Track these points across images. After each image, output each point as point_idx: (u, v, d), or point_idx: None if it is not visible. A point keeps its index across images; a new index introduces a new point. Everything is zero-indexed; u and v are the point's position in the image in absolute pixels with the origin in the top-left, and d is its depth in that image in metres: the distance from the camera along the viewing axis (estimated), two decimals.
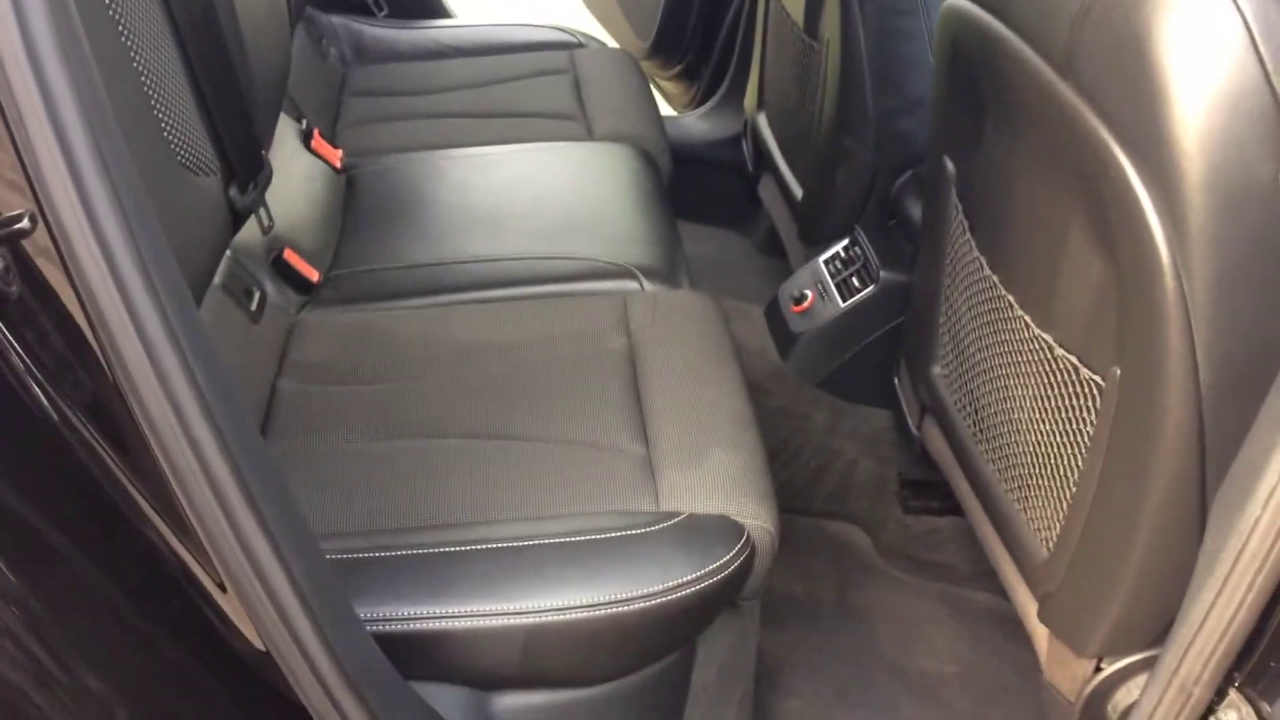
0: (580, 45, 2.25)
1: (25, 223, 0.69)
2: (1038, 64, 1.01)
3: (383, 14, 2.28)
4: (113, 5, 1.11)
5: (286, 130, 1.73)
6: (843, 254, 1.76)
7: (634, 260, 1.54)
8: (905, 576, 1.67)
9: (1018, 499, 1.21)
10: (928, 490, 1.68)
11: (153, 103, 1.18)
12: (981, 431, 1.30)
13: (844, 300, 1.70)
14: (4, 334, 0.72)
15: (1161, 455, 0.93)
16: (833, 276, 1.75)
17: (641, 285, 1.51)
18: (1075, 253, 1.03)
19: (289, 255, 1.49)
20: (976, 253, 1.26)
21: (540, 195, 1.70)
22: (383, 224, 1.65)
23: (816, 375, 1.72)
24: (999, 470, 1.26)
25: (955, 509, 1.45)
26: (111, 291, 0.71)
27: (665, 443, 1.20)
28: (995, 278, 1.21)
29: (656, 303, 1.47)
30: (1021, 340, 1.15)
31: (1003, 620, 1.52)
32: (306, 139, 1.76)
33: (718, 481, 1.13)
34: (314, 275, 1.51)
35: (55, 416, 0.74)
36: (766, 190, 2.15)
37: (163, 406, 0.74)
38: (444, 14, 2.35)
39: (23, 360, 0.72)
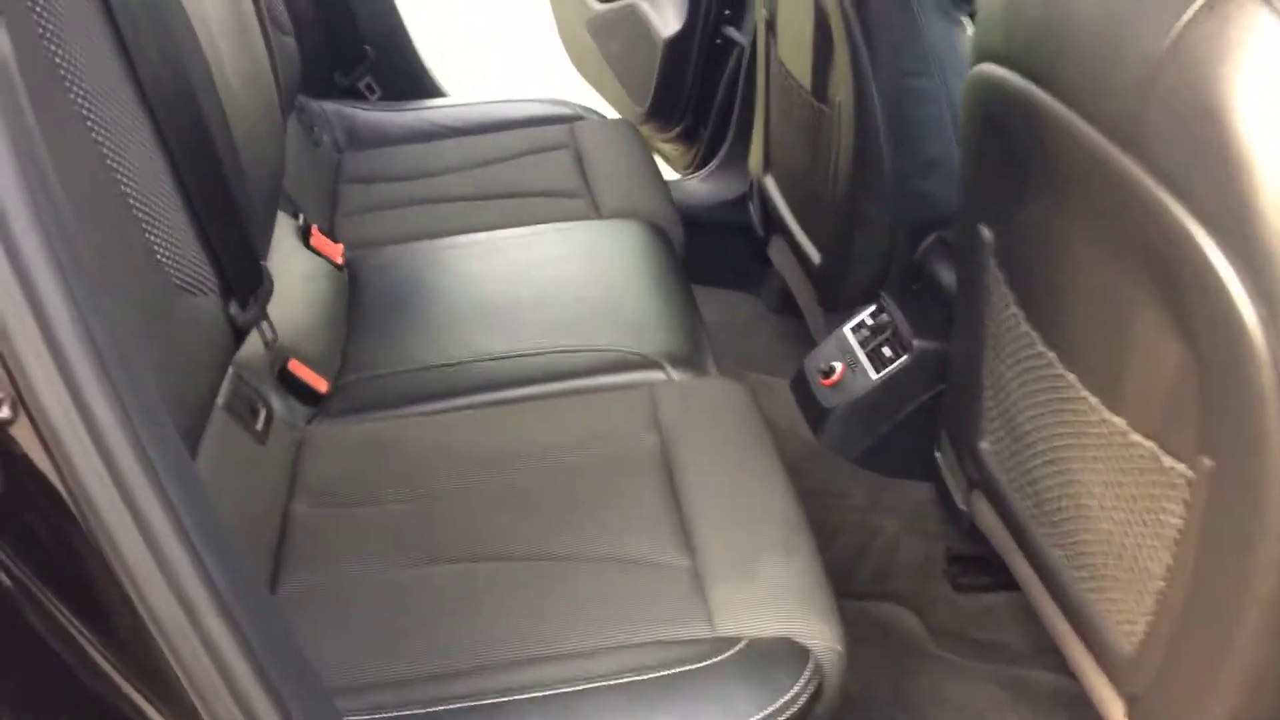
0: (579, 117, 2.19)
1: (5, 411, 0.61)
2: (1093, 136, 0.94)
3: (375, 97, 2.23)
4: (96, 128, 1.04)
5: (284, 229, 1.66)
6: (870, 321, 1.69)
7: (658, 348, 1.46)
8: (961, 660, 1.58)
9: (1092, 589, 1.13)
10: (978, 566, 1.59)
11: (143, 225, 1.11)
12: (1043, 513, 1.21)
13: (876, 371, 1.63)
14: None
15: (1266, 552, 0.85)
16: (861, 346, 1.67)
17: (668, 374, 1.43)
18: (1147, 333, 0.95)
19: (294, 366, 1.42)
20: (1026, 326, 1.18)
21: (552, 281, 1.63)
22: (390, 322, 1.57)
23: (852, 451, 1.64)
24: (1067, 556, 1.17)
25: (1009, 584, 1.36)
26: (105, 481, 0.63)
27: (711, 552, 1.12)
28: (1051, 354, 1.13)
29: (685, 393, 1.39)
30: (1088, 422, 1.08)
31: (1071, 702, 1.43)
32: (305, 236, 1.69)
33: (775, 597, 1.05)
34: (322, 385, 1.44)
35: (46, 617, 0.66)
36: (778, 252, 2.09)
37: (168, 600, 0.66)
38: (436, 93, 2.29)
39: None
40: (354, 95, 2.20)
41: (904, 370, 1.59)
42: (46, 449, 0.62)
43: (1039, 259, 1.14)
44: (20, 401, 0.61)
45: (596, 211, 1.85)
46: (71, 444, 0.63)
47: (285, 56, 1.90)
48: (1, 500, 0.63)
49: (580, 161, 2.01)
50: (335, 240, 1.78)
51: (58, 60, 1.01)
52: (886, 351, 1.63)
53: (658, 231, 1.78)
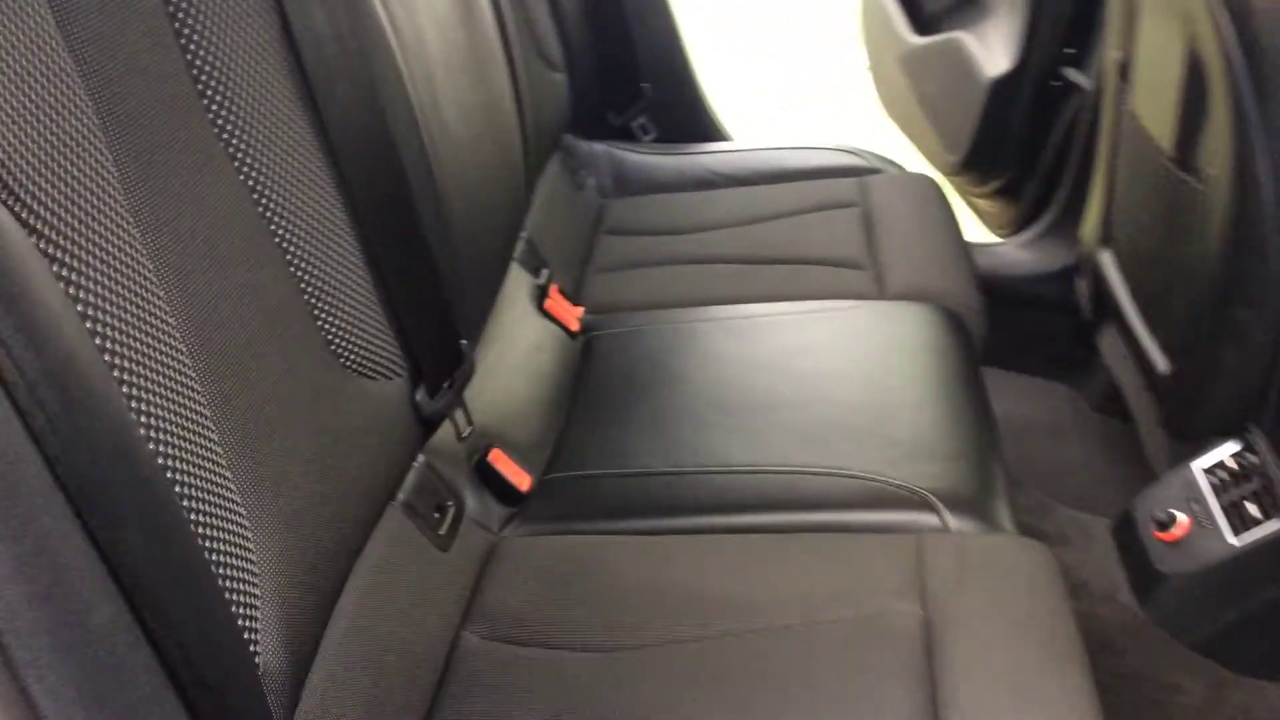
0: (873, 170, 1.88)
1: None
2: None
3: (649, 138, 2.02)
4: (252, 175, 0.88)
5: (517, 288, 1.48)
6: (1231, 464, 1.28)
7: (934, 482, 1.14)
8: None
9: None
10: None
11: (306, 296, 0.93)
12: None
13: (1236, 533, 1.22)
14: None
15: None
16: (1216, 494, 1.27)
17: (943, 520, 1.11)
18: None
19: (495, 458, 1.22)
20: None
21: (812, 377, 1.34)
22: (616, 409, 1.35)
23: (1192, 634, 1.24)
24: None
25: None
26: None
27: None
28: None
29: (964, 551, 1.06)
30: None
31: None
32: (541, 297, 1.50)
33: None
34: (524, 483, 1.23)
35: None
36: (1110, 344, 1.69)
37: None
38: (718, 136, 2.06)
39: None
40: (626, 136, 2.00)
41: (1276, 542, 1.17)
42: None
43: None
44: None
45: (880, 289, 1.54)
46: None
47: (551, 94, 1.73)
48: None
49: (869, 224, 1.70)
50: (577, 301, 1.58)
51: (210, 99, 0.86)
52: (1251, 509, 1.22)
53: (952, 321, 1.45)
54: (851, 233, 1.68)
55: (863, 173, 1.88)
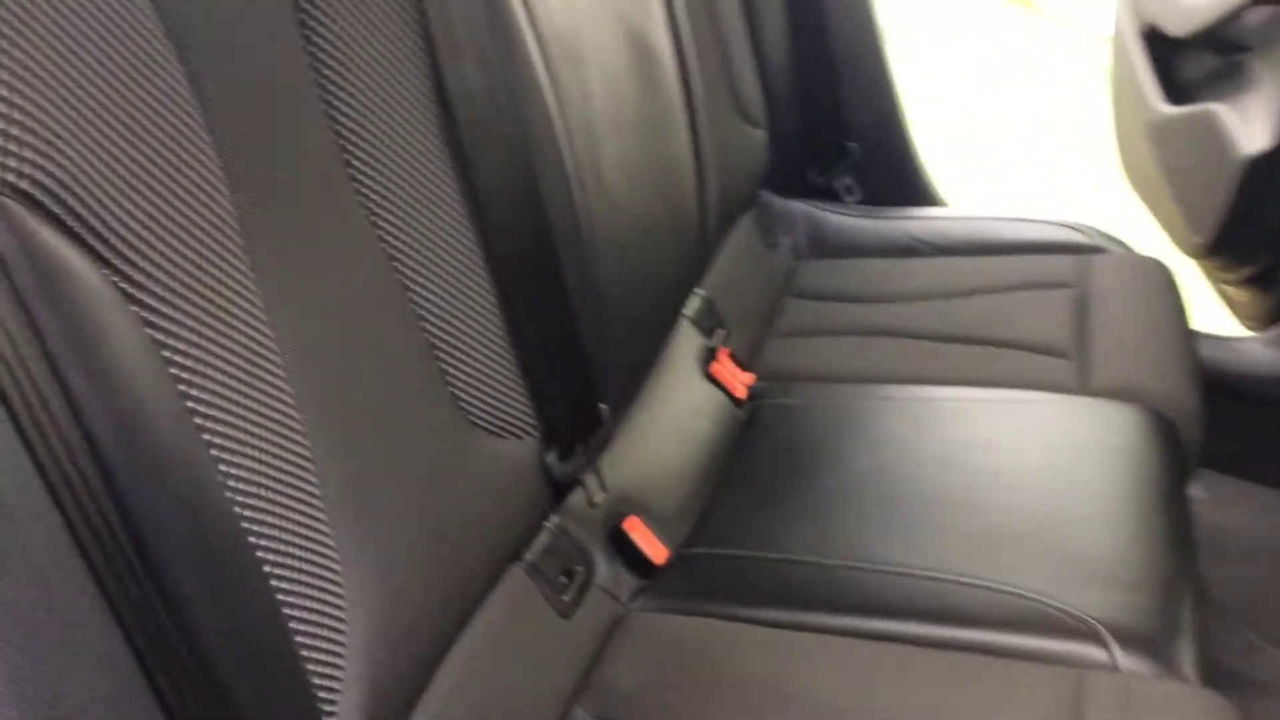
0: (1096, 249, 1.72)
1: None
2: None
3: (852, 199, 1.94)
4: (394, 242, 0.87)
5: (684, 348, 1.43)
6: None
7: (1107, 612, 1.00)
8: None
9: None
10: None
11: (437, 351, 0.92)
12: None
13: None
14: None
15: None
16: None
17: (1112, 658, 0.97)
18: None
19: (631, 526, 1.17)
20: None
21: (987, 476, 1.22)
22: (770, 486, 1.27)
23: None
24: None
25: None
26: None
27: None
28: None
29: (1131, 696, 0.92)
30: None
31: None
32: (708, 360, 1.45)
33: None
34: (660, 555, 1.17)
35: None
36: None
37: None
38: (930, 200, 1.94)
39: None
40: (828, 195, 1.92)
41: None
42: None
43: None
44: None
45: (1083, 383, 1.39)
46: None
47: (746, 150, 1.69)
48: None
49: (1082, 308, 1.55)
50: (749, 367, 1.51)
51: (351, 154, 0.86)
52: None
53: (1162, 427, 1.29)
54: (1060, 317, 1.54)
55: (1084, 250, 1.72)
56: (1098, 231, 1.75)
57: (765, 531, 1.20)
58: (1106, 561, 1.07)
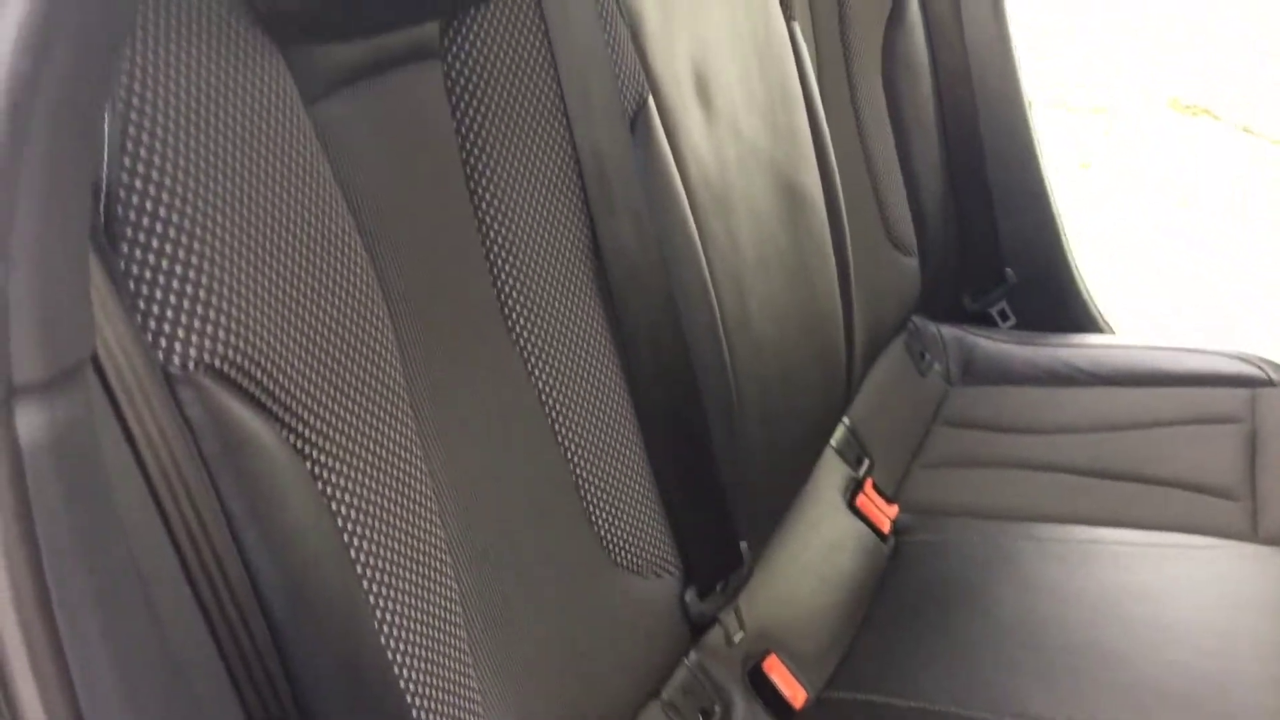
0: (1269, 383, 1.64)
1: None
2: None
3: (1007, 325, 1.91)
4: (545, 385, 0.92)
5: (828, 479, 1.43)
6: None
7: None
8: None
9: None
10: None
11: (583, 493, 0.96)
12: None
13: None
14: None
15: None
16: None
17: None
18: None
19: (770, 666, 1.17)
20: None
21: (1144, 627, 1.17)
22: (911, 627, 1.25)
23: None
24: None
25: None
26: None
27: None
28: None
29: None
30: None
31: None
32: (853, 492, 1.44)
33: None
34: (799, 698, 1.16)
35: None
36: None
37: None
38: (1091, 328, 1.89)
39: None
40: (982, 321, 1.90)
41: None
42: None
43: None
44: None
45: (1254, 529, 1.33)
46: None
47: (898, 279, 1.69)
48: None
49: (1254, 447, 1.48)
50: (894, 498, 1.50)
51: (510, 308, 0.92)
52: None
53: None
54: (1229, 455, 1.47)
55: (1256, 384, 1.65)
56: (1271, 364, 1.67)
57: (905, 675, 1.18)
58: None
